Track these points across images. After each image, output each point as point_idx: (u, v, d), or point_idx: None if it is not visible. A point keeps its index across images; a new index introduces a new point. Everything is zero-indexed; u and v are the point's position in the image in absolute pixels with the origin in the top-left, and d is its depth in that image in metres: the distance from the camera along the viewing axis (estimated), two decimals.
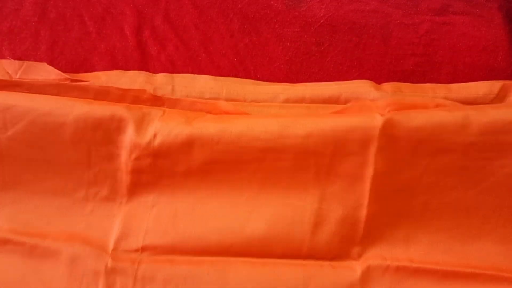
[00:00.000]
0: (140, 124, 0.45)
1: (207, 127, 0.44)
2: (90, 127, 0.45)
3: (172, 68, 0.52)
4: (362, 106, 0.47)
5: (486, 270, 0.44)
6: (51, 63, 0.49)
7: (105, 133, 0.45)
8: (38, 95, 0.45)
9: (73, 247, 0.44)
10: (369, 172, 0.44)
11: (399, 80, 0.51)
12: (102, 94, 0.47)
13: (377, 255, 0.45)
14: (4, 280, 0.44)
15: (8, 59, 0.50)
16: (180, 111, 0.48)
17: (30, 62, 0.47)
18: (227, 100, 0.49)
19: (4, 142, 0.46)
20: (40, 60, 0.49)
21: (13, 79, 0.46)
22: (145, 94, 0.47)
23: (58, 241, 0.44)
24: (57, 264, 0.44)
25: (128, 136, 0.45)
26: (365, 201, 0.44)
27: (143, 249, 0.45)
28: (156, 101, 0.48)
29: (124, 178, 0.46)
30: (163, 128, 0.44)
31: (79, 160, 0.46)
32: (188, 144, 0.45)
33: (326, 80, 0.52)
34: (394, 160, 0.44)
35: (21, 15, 0.54)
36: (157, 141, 0.45)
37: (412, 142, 0.44)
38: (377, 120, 0.43)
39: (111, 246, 0.45)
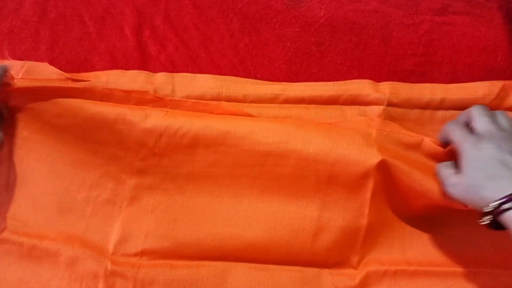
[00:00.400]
0: (144, 125, 0.45)
1: (212, 128, 0.44)
2: (97, 129, 0.45)
3: (172, 68, 0.52)
4: (357, 123, 0.47)
5: (487, 269, 0.44)
6: (51, 63, 0.49)
7: (112, 135, 0.46)
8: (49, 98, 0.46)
9: (72, 249, 0.44)
10: (370, 182, 0.44)
11: (399, 80, 0.51)
12: (107, 96, 0.47)
13: (375, 261, 0.45)
14: (1, 281, 0.43)
15: (9, 59, 0.50)
16: (183, 111, 0.48)
17: (32, 62, 0.47)
18: (227, 99, 0.49)
19: (18, 142, 0.46)
20: (40, 60, 0.49)
21: (18, 85, 0.46)
22: (148, 95, 0.47)
23: (57, 242, 0.44)
24: (56, 265, 0.44)
25: (134, 137, 0.45)
26: (366, 210, 0.44)
27: (143, 253, 0.45)
28: (159, 102, 0.48)
29: (127, 181, 0.46)
30: (169, 129, 0.45)
31: (85, 162, 0.46)
32: (193, 145, 0.45)
33: (326, 80, 0.51)
34: (393, 168, 0.44)
35: (21, 15, 0.54)
36: (163, 142, 0.45)
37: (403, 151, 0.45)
38: (374, 133, 0.44)
39: (110, 249, 0.45)
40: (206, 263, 0.44)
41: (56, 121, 0.45)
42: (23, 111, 0.46)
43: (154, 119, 0.45)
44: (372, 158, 0.43)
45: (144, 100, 0.47)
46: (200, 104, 0.48)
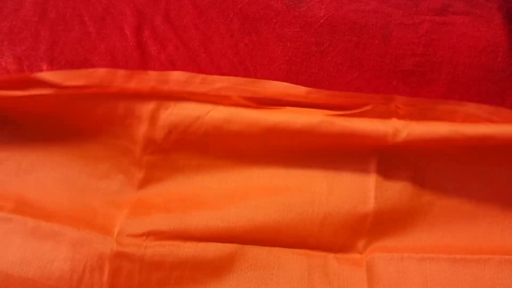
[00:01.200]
0: (154, 120, 0.46)
1: (221, 129, 0.46)
2: (109, 122, 0.47)
3: (172, 68, 0.52)
4: (381, 113, 0.46)
5: (496, 255, 0.43)
6: (51, 63, 0.49)
7: (122, 129, 0.47)
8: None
9: (77, 230, 0.44)
10: (373, 167, 0.45)
11: (399, 80, 0.51)
12: (118, 93, 0.48)
13: (381, 248, 0.45)
14: (3, 260, 0.42)
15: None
16: (192, 103, 0.48)
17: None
18: None
19: (29, 133, 0.48)
20: (40, 60, 0.49)
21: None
22: (155, 89, 0.48)
23: (63, 223, 0.44)
24: (60, 245, 0.43)
25: (142, 132, 0.46)
26: (372, 194, 0.45)
27: (149, 234, 0.44)
28: (168, 94, 0.48)
29: (136, 173, 0.47)
30: (178, 127, 0.46)
31: (95, 153, 0.48)
32: (203, 141, 0.46)
33: (326, 80, 0.51)
34: (396, 161, 0.45)
35: (21, 15, 0.54)
36: (172, 138, 0.46)
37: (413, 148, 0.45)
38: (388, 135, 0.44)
39: (116, 231, 0.45)
40: (214, 244, 0.44)
41: (66, 114, 0.47)
42: (34, 103, 0.46)
43: (163, 114, 0.46)
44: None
45: (153, 94, 0.48)
46: (209, 94, 0.48)
